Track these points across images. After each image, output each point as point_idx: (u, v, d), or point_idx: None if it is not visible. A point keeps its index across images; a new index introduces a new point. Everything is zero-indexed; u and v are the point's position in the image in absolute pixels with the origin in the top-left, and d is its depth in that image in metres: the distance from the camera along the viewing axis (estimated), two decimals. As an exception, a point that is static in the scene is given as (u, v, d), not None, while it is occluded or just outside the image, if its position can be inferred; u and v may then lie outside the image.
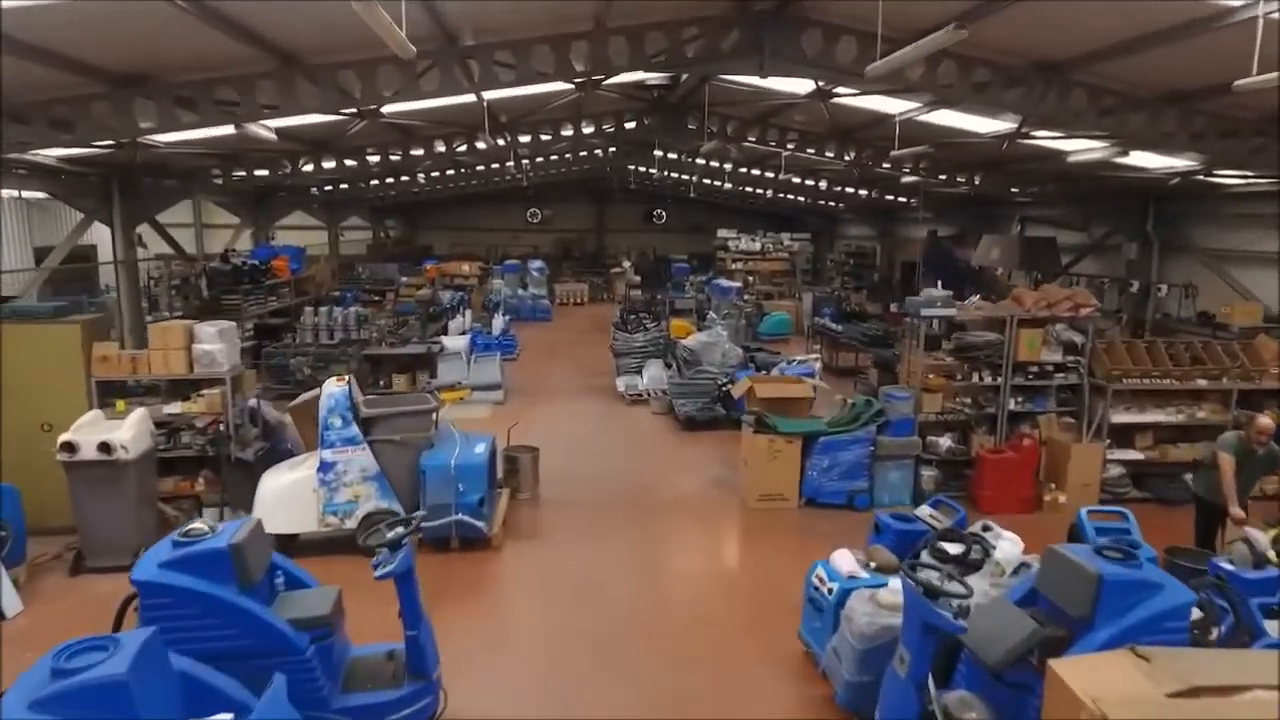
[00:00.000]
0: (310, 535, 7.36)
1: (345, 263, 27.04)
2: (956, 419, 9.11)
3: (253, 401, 8.56)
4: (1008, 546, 5.31)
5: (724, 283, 17.62)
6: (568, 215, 39.81)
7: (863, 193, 22.13)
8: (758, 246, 33.74)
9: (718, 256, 33.99)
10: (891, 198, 22.57)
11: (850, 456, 8.66)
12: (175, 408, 7.86)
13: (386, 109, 11.60)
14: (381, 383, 13.96)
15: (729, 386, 12.19)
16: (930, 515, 6.30)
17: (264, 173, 14.49)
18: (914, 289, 24.55)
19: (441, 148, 14.59)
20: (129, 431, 6.81)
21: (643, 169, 27.12)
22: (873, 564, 5.59)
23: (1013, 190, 16.25)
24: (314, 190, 20.81)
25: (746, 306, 17.84)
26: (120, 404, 7.62)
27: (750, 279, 26.35)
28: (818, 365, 13.48)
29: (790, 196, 28.14)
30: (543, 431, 11.61)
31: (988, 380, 9.03)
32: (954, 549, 5.51)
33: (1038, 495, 8.83)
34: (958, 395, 9.10)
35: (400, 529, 4.72)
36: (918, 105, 11.55)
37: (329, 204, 25.10)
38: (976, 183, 16.11)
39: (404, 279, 25.87)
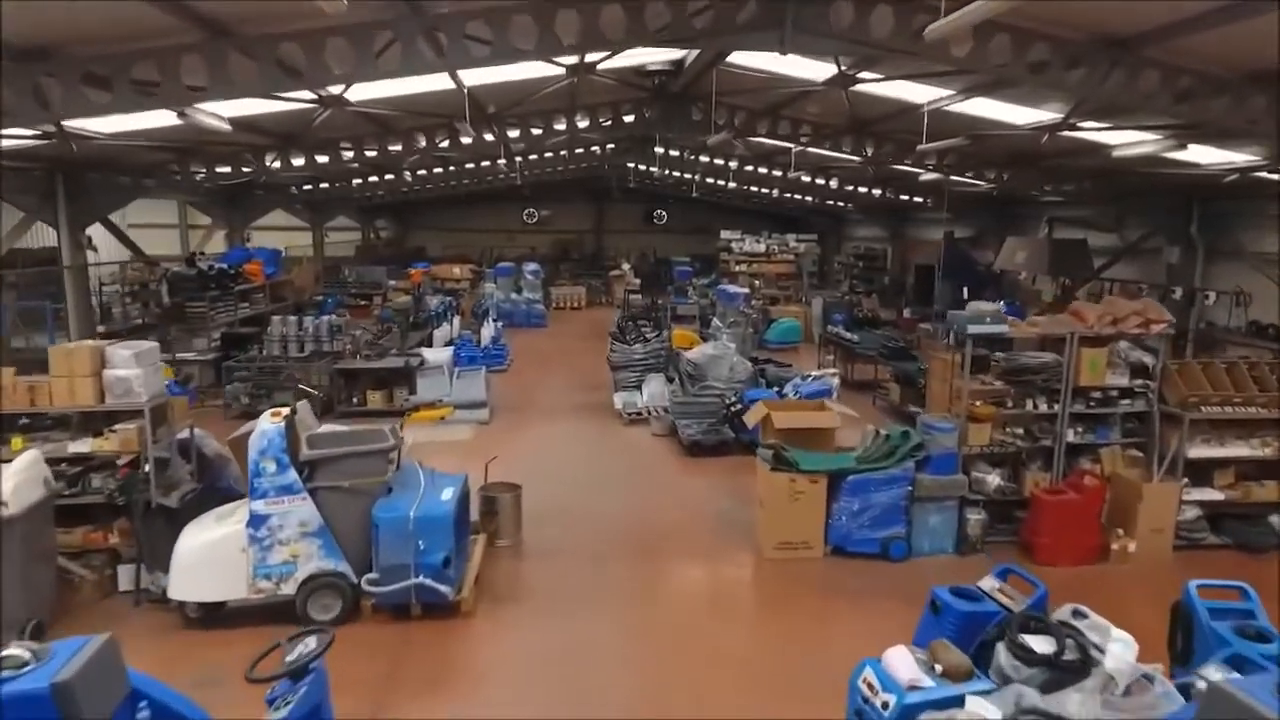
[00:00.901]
0: (240, 602, 6.10)
1: (331, 265, 25.82)
2: (1006, 452, 7.85)
3: (185, 433, 7.30)
4: (1119, 651, 4.05)
5: (730, 288, 16.37)
6: (565, 215, 38.58)
7: (875, 192, 20.87)
8: (762, 248, 32.57)
9: (721, 258, 32.78)
10: (907, 197, 21.31)
11: (885, 498, 7.40)
12: (85, 445, 6.60)
13: (354, 96, 10.37)
14: (355, 399, 12.70)
15: (737, 407, 10.94)
16: (998, 590, 5.04)
17: (226, 169, 13.23)
18: (930, 293, 23.34)
19: (422, 141, 13.34)
20: (10, 481, 5.55)
21: (643, 167, 25.86)
22: (937, 667, 4.33)
23: (1044, 188, 14.97)
24: (294, 189, 19.55)
25: (754, 313, 16.58)
26: (16, 441, 6.37)
27: (756, 283, 25.07)
28: (835, 382, 12.22)
29: (797, 196, 26.89)
30: (530, 459, 10.37)
31: (1042, 408, 7.77)
32: (1041, 645, 4.26)
33: (1103, 543, 7.57)
34: (1007, 425, 7.84)
35: (310, 644, 3.46)
36: (949, 94, 10.31)
37: (312, 203, 23.85)
38: (1004, 180, 14.84)
39: (392, 282, 24.71)
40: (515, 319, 23.29)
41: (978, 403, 7.70)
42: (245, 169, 12.98)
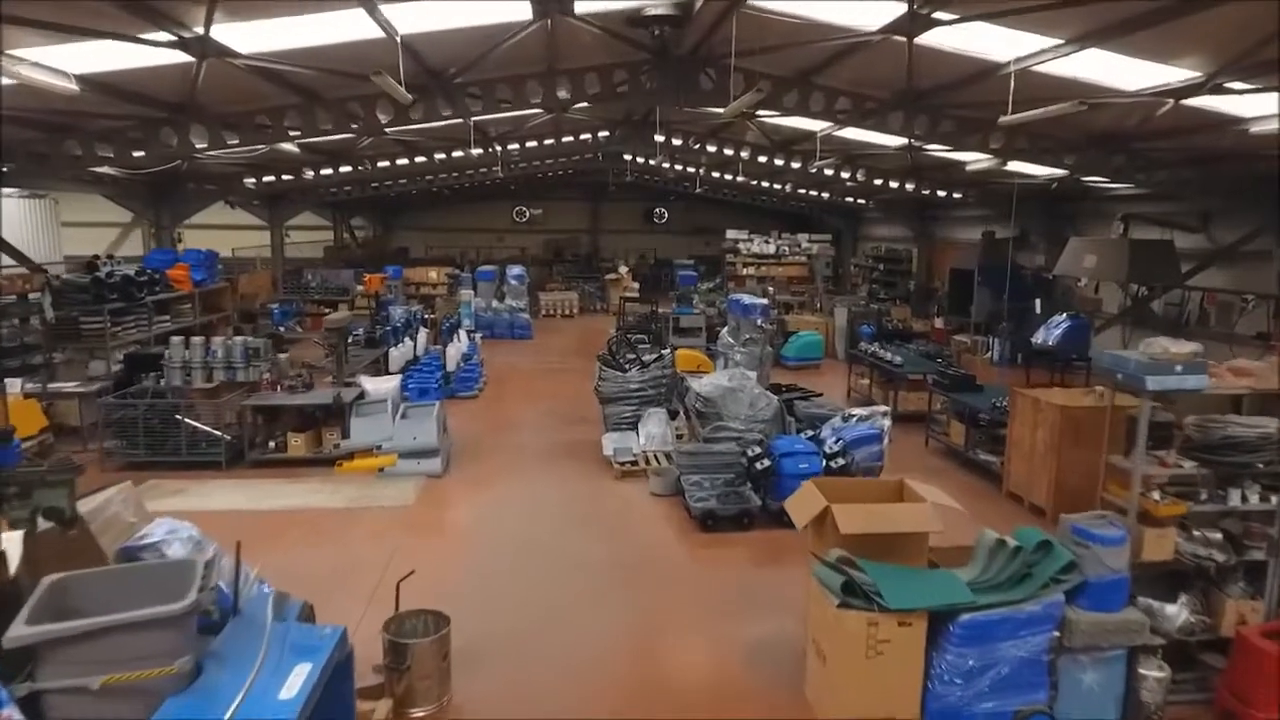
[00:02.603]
0: None
1: (294, 269, 23.11)
2: (1192, 568, 5.13)
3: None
4: None
5: (745, 298, 13.66)
6: (558, 214, 35.91)
7: (908, 186, 18.15)
8: (772, 249, 29.92)
9: (727, 260, 30.09)
10: (944, 193, 18.59)
11: (1018, 649, 4.69)
12: None
13: (238, 45, 7.68)
14: (274, 443, 9.98)
15: (763, 463, 8.22)
16: None
17: (140, 154, 10.52)
18: (966, 301, 20.64)
19: (359, 112, 10.63)
20: None
21: (641, 159, 23.14)
22: None
23: (1132, 178, 12.24)
24: (244, 182, 16.79)
25: (772, 328, 13.89)
26: None
27: (770, 289, 22.35)
28: (887, 424, 9.51)
29: (813, 193, 24.17)
30: (481, 545, 7.65)
31: (1253, 501, 5.06)
32: None
33: (1352, 714, 4.86)
34: (1197, 528, 5.12)
35: None
36: (1057, 43, 7.63)
37: (268, 198, 21.14)
38: (1076, 167, 12.13)
39: (360, 287, 21.97)
40: (497, 330, 20.60)
41: (1156, 495, 4.97)
42: (137, 151, 10.25)
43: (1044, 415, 8.48)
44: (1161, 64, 7.85)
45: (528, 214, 35.57)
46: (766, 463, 8.15)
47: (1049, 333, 14.95)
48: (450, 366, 13.83)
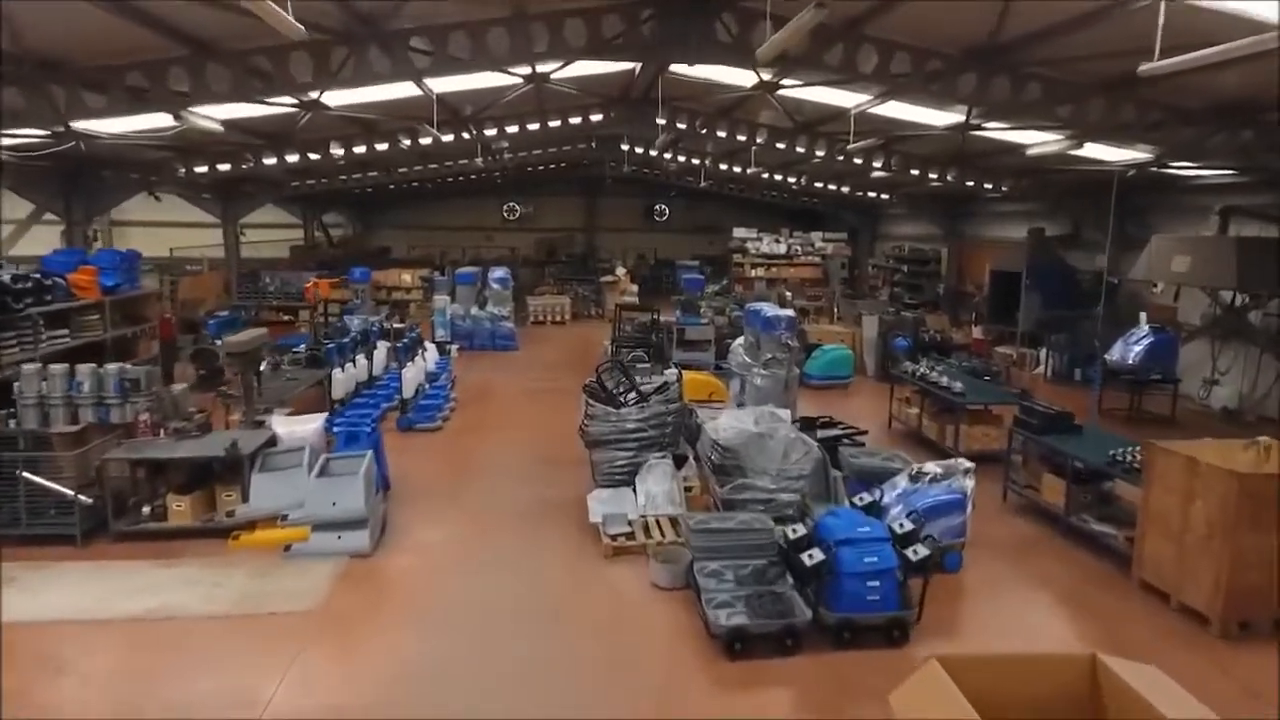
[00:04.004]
0: None
1: (251, 271, 20.65)
2: None
3: None
4: None
5: (766, 309, 11.20)
6: (552, 211, 33.48)
7: (948, 176, 15.70)
8: (783, 249, 27.45)
9: (734, 261, 27.64)
10: (990, 185, 16.13)
11: None
12: None
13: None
14: (152, 508, 7.52)
15: (814, 558, 5.76)
16: None
17: (37, 134, 8.11)
18: (1009, 308, 18.20)
19: (303, 78, 8.20)
20: None
21: (640, 149, 20.68)
22: None
23: (1233, 161, 9.82)
24: (198, 171, 14.31)
25: (798, 346, 11.44)
26: None
27: (788, 294, 19.90)
28: (970, 485, 7.07)
29: (831, 186, 21.71)
30: (407, 678, 5.16)
31: None
32: None
33: None
34: None
35: None
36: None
37: (221, 190, 18.71)
38: (1166, 149, 9.70)
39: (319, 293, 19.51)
40: (477, 340, 18.15)
41: None
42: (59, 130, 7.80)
43: (1205, 483, 6.03)
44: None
45: (518, 211, 33.14)
46: (818, 555, 5.69)
47: (1127, 349, 12.52)
48: (409, 392, 11.37)
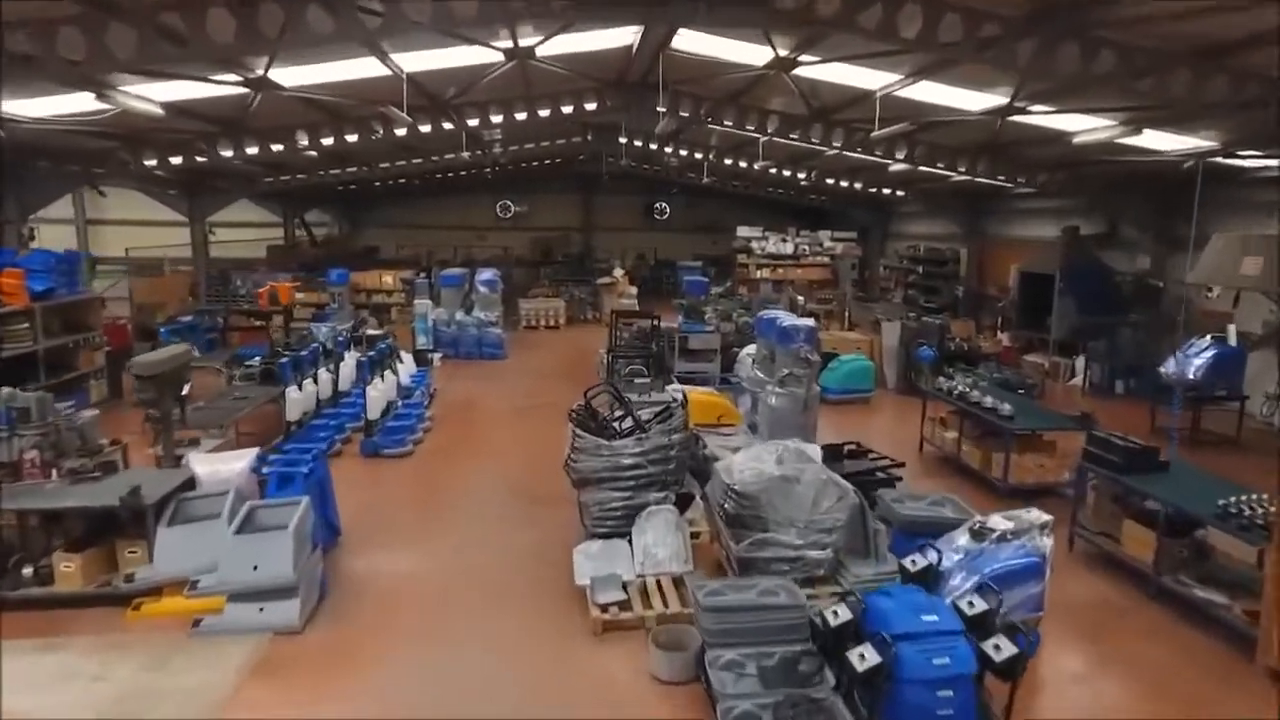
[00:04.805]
0: None
1: (220, 273, 19.26)
2: None
3: None
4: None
5: (783, 317, 9.80)
6: (548, 209, 32.08)
7: (977, 168, 14.30)
8: (790, 249, 26.05)
9: (738, 261, 26.24)
10: (1024, 179, 14.71)
11: None
12: None
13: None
14: (36, 568, 6.09)
15: (866, 662, 4.36)
16: None
17: None
18: (1040, 313, 16.79)
19: (224, 39, 6.79)
20: None
21: (639, 143, 19.27)
22: None
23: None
24: (142, 163, 12.87)
25: (817, 358, 10.01)
26: None
27: (800, 298, 18.50)
28: (1049, 544, 5.68)
29: (844, 183, 20.30)
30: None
31: None
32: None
33: None
34: None
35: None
36: None
37: (187, 185, 17.34)
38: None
39: (298, 295, 18.17)
40: (462, 348, 16.75)
41: None
42: None
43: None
44: None
45: (512, 209, 31.72)
46: (871, 657, 4.30)
47: (1186, 361, 11.10)
48: (374, 413, 9.98)
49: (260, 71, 8.78)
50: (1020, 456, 8.73)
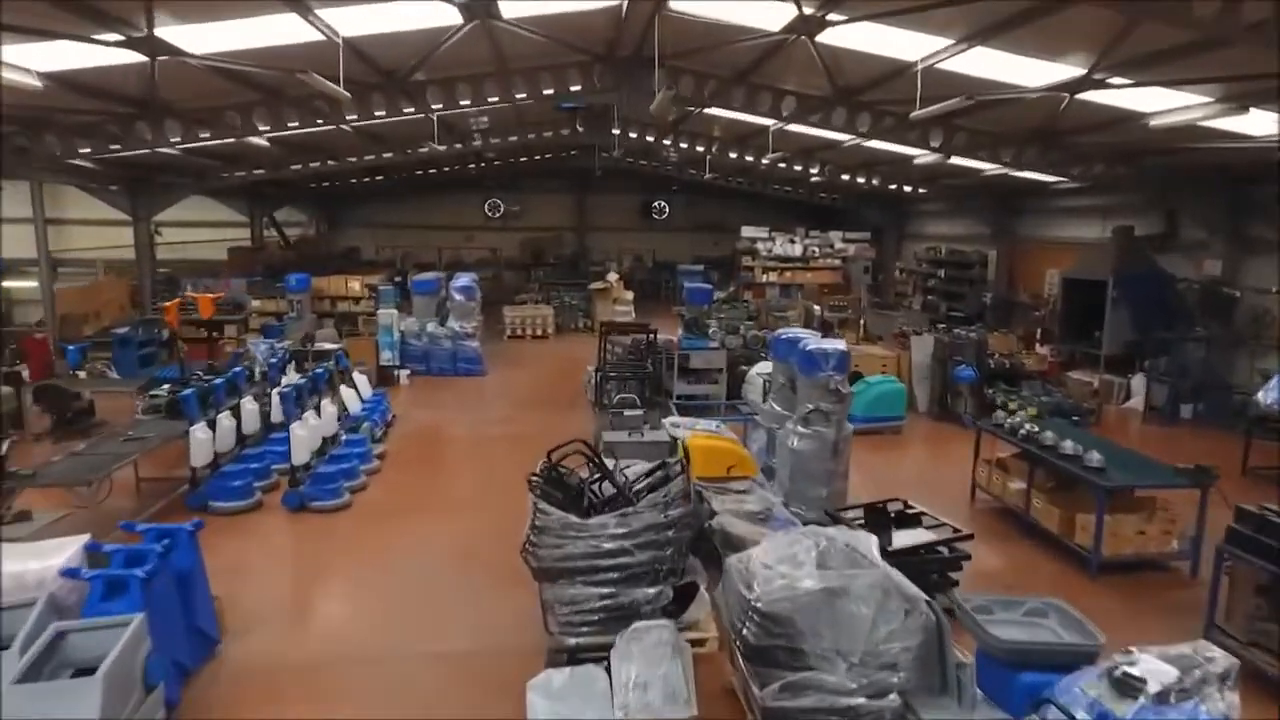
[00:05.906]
0: None
1: (169, 278, 17.38)
2: None
3: None
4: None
5: (808, 339, 7.87)
6: (539, 208, 30.22)
7: (1023, 160, 12.39)
8: (798, 250, 24.16)
9: (742, 263, 24.35)
10: (1076, 172, 12.79)
11: None
12: None
13: None
14: None
15: None
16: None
17: None
18: (1089, 324, 14.87)
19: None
20: None
21: (633, 134, 17.37)
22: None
23: None
24: (52, 153, 10.97)
25: (849, 390, 8.10)
26: None
27: (816, 308, 16.60)
28: (1234, 701, 3.78)
29: (859, 179, 18.39)
30: None
31: None
32: None
33: None
34: None
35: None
36: None
37: (128, 180, 15.46)
38: None
39: (255, 302, 16.34)
40: (434, 364, 14.88)
41: None
42: None
43: None
44: None
45: (502, 208, 29.84)
46: None
47: (1287, 389, 9.23)
48: (300, 457, 8.08)
49: (144, 29, 6.89)
50: (1112, 517, 6.83)
